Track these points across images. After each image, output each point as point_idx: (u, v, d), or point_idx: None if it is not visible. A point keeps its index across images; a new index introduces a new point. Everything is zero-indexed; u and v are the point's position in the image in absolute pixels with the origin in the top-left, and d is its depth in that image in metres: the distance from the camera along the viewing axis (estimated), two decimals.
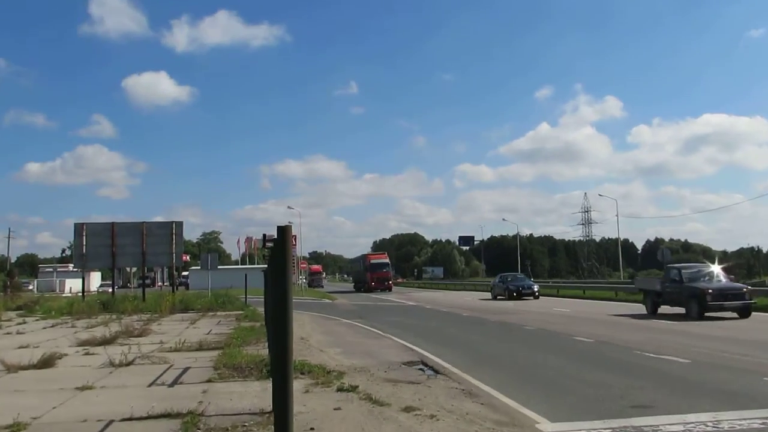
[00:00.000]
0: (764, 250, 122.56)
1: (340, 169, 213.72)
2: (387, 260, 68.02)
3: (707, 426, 6.51)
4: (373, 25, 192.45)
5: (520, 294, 37.07)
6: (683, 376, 9.62)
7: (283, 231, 4.01)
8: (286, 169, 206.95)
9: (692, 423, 6.63)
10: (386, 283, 64.03)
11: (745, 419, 6.73)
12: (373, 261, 66.38)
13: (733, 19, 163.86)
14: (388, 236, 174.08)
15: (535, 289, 38.02)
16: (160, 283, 73.73)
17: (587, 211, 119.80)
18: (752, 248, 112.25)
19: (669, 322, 18.89)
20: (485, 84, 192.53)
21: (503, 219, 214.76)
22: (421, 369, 10.98)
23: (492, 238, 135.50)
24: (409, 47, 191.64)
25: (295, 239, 61.14)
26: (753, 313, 19.86)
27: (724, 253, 63.12)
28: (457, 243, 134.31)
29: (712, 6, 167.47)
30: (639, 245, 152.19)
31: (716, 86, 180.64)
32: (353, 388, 8.47)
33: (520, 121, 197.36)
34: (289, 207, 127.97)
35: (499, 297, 38.56)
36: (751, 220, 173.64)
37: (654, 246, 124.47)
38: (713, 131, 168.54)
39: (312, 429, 6.42)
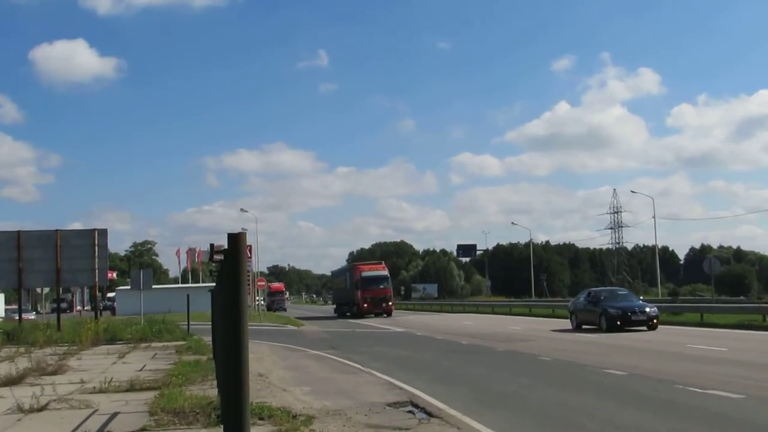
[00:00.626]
0: None
1: (306, 161, 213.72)
2: (385, 272, 60.85)
3: None
4: None
5: (627, 321, 27.54)
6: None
7: (236, 240, 3.99)
8: (238, 161, 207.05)
9: None
10: (384, 305, 57.41)
11: None
12: (365, 274, 58.61)
13: None
14: (368, 245, 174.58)
15: (651, 313, 28.00)
16: (79, 308, 73.37)
17: (617, 212, 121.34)
18: None
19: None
20: (489, 53, 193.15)
21: (512, 223, 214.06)
22: (410, 411, 10.99)
23: (498, 247, 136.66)
24: (393, 6, 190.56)
25: (250, 250, 61.00)
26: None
27: None
28: (455, 254, 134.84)
29: None
30: (681, 254, 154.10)
31: None
32: None
33: (534, 100, 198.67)
34: (242, 210, 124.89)
35: (586, 326, 30.12)
36: None
37: (700, 255, 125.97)
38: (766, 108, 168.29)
39: None
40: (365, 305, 55.90)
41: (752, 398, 10.99)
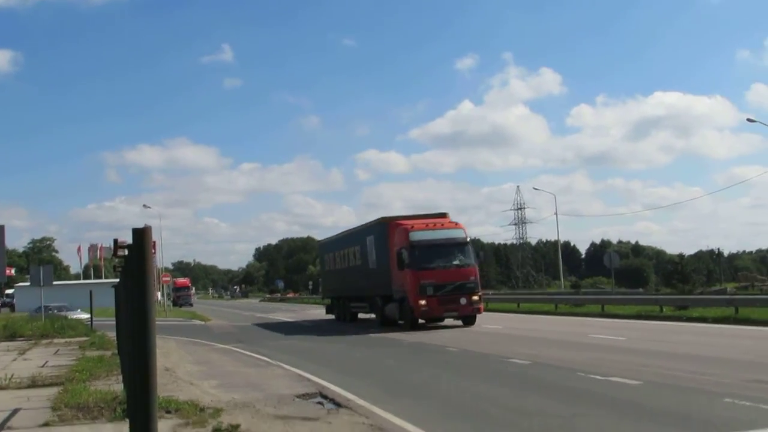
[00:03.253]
0: (726, 253, 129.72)
1: (210, 156, 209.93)
2: (462, 233, 29.39)
3: None
4: None
5: None
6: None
7: (141, 234, 3.97)
8: (140, 157, 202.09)
9: None
10: (467, 301, 27.28)
11: None
12: (419, 237, 27.76)
13: None
14: (274, 241, 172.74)
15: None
16: None
17: (521, 209, 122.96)
18: (712, 251, 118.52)
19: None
20: (394, 50, 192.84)
21: None
22: (319, 402, 11.04)
23: None
24: (299, 3, 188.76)
25: (154, 246, 59.66)
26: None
27: (681, 256, 65.66)
28: None
29: None
30: (582, 248, 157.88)
31: (670, 57, 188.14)
32: (233, 428, 8.44)
33: (438, 98, 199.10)
34: (144, 206, 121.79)
35: None
36: (711, 218, 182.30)
37: (600, 249, 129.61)
38: (666, 113, 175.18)
39: None
40: (426, 302, 26.69)
41: (648, 384, 11.40)
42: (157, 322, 4.19)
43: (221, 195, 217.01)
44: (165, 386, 12.09)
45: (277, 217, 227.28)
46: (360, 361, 17.80)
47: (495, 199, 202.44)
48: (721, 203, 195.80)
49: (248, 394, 11.75)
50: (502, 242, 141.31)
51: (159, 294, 55.97)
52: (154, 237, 69.84)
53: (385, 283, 28.25)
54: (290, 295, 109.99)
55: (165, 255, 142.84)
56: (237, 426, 8.56)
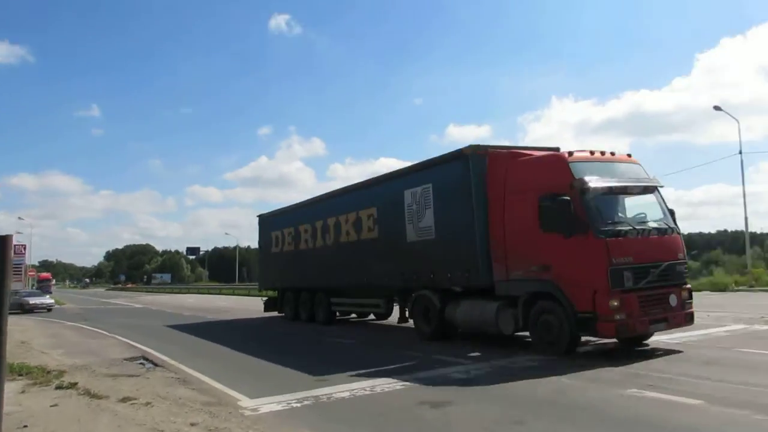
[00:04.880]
0: None
1: (76, 184, 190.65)
2: (645, 171, 9.36)
3: (365, 390, 7.18)
4: (117, 58, 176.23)
5: None
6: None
7: (3, 240, 3.78)
8: (21, 181, 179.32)
9: (355, 389, 7.27)
10: (678, 304, 8.59)
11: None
12: (594, 174, 8.52)
13: (397, 88, 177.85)
14: (120, 246, 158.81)
15: None
16: None
17: None
18: None
19: None
20: (217, 117, 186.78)
21: (226, 233, 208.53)
22: (141, 363, 10.23)
23: (215, 249, 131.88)
24: (152, 78, 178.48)
25: (24, 248, 52.26)
26: None
27: None
28: (185, 253, 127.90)
29: (394, 77, 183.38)
30: None
31: (389, 134, 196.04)
32: (72, 385, 7.62)
33: (245, 152, 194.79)
34: (19, 218, 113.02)
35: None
36: None
37: None
38: (386, 170, 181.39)
39: (26, 426, 5.63)
40: (623, 305, 7.97)
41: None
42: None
43: (83, 212, 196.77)
44: (20, 355, 10.63)
45: (124, 229, 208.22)
46: (172, 333, 16.33)
47: None
48: None
49: (87, 359, 10.62)
50: None
51: (24, 284, 48.32)
52: (25, 241, 61.35)
53: (462, 263, 10.40)
54: (129, 285, 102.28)
55: (33, 255, 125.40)
56: (75, 384, 7.73)
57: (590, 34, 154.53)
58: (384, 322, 15.80)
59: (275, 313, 19.38)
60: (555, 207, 8.46)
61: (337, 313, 16.38)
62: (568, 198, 8.32)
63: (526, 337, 9.85)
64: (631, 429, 5.23)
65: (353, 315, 16.92)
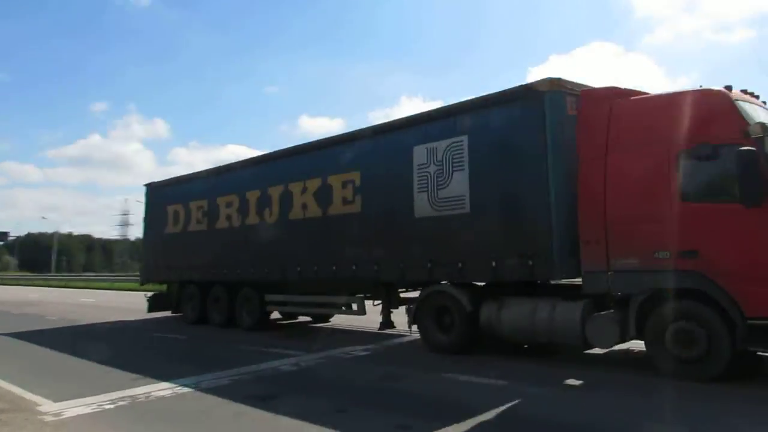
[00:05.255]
0: None
1: None
2: None
3: (189, 387, 6.79)
4: None
5: None
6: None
7: None
8: None
9: (177, 386, 6.85)
10: None
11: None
12: None
13: (256, 78, 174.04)
14: None
15: None
16: None
17: (126, 214, 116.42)
18: None
19: None
20: (41, 87, 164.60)
21: (43, 217, 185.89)
22: None
23: (30, 235, 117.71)
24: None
25: None
26: None
27: None
28: None
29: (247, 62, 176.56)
30: None
31: (243, 126, 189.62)
32: None
33: (73, 128, 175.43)
34: None
35: None
36: None
37: None
38: (234, 158, 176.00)
39: None
40: None
41: None
42: None
43: None
44: None
45: None
46: None
47: (109, 207, 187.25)
48: None
49: None
50: (110, 238, 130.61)
51: None
52: None
53: (521, 246, 7.29)
54: None
55: None
56: None
57: (437, 39, 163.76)
58: (330, 323, 12.71)
59: (167, 314, 14.67)
60: (723, 164, 5.85)
61: (271, 315, 12.24)
62: (754, 149, 5.63)
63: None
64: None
65: (303, 317, 12.69)
